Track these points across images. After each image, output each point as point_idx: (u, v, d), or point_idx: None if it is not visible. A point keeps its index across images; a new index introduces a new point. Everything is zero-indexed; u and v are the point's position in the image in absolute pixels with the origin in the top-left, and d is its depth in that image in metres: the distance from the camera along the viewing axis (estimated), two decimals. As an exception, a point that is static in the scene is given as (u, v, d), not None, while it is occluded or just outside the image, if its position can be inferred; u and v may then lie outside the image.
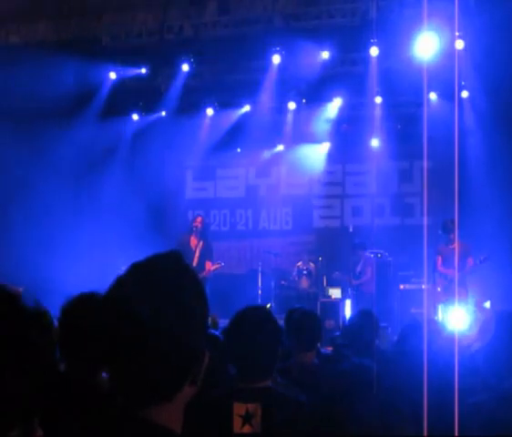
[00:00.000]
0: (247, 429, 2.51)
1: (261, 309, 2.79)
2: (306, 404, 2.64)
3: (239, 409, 2.53)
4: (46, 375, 1.48)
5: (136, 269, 1.33)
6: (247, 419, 2.52)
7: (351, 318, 8.02)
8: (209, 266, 9.77)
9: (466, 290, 9.45)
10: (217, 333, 3.70)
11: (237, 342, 2.70)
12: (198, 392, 1.37)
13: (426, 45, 9.70)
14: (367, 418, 2.31)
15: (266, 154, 12.94)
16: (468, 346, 3.92)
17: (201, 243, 9.82)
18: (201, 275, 9.59)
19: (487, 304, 8.97)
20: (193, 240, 9.83)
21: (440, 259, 9.64)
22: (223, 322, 6.12)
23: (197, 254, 9.76)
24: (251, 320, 2.70)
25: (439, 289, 9.54)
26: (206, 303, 1.36)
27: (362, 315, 4.57)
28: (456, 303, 9.54)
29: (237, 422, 2.52)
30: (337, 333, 6.40)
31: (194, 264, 9.67)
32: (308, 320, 3.97)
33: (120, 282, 1.32)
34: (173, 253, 1.36)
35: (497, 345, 2.98)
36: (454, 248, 9.53)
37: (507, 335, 2.99)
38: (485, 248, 9.39)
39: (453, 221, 9.84)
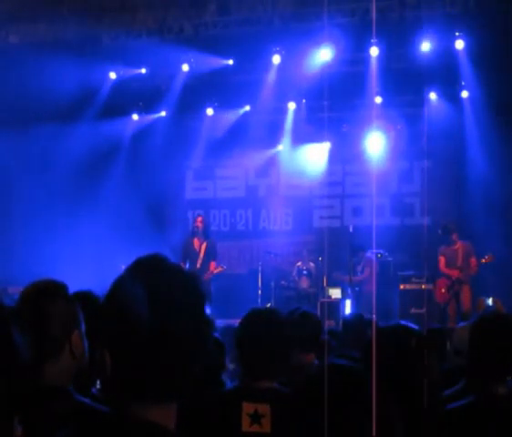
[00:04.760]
0: (255, 428, 2.55)
1: (271, 311, 2.90)
2: (310, 405, 2.65)
3: (247, 408, 2.58)
4: (26, 373, 1.47)
5: (137, 269, 1.33)
6: (255, 418, 2.56)
7: None
8: (213, 267, 9.71)
9: (470, 291, 9.47)
10: (215, 334, 3.72)
11: (247, 342, 2.77)
12: (196, 392, 1.36)
13: (426, 46, 9.73)
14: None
15: (266, 154, 12.93)
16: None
17: (205, 244, 9.76)
18: (204, 277, 9.54)
19: (490, 301, 8.98)
20: (196, 242, 9.78)
21: (443, 259, 9.64)
22: (223, 322, 6.11)
23: (201, 255, 9.69)
24: (262, 321, 2.80)
25: (443, 291, 9.55)
26: (203, 304, 1.36)
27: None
28: (459, 304, 9.56)
29: (246, 421, 2.56)
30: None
31: (198, 266, 9.59)
32: (307, 320, 3.98)
33: (120, 282, 1.32)
34: (159, 255, 1.37)
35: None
36: (456, 249, 9.54)
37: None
38: (485, 248, 9.39)
39: (453, 222, 9.87)
